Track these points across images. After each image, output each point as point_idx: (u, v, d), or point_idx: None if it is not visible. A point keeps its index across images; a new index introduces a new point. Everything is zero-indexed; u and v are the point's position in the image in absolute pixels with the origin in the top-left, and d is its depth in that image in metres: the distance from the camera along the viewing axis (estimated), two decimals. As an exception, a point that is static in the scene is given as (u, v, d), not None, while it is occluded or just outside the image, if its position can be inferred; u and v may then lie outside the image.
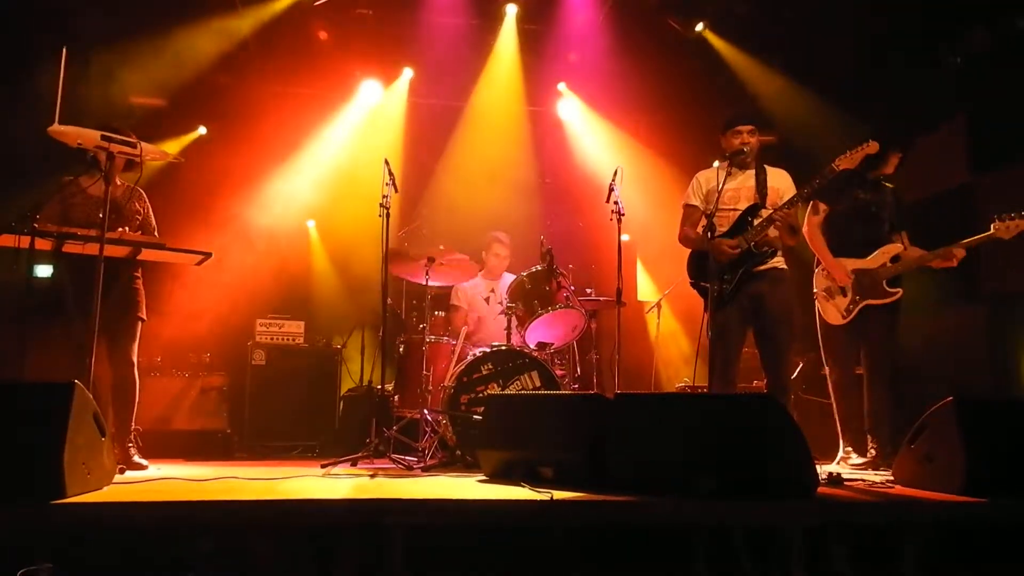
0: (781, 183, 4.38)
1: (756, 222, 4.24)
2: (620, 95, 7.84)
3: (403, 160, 7.74)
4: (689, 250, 4.50)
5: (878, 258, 4.55)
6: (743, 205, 4.32)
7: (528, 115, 8.00)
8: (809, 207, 4.72)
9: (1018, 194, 4.44)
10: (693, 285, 4.41)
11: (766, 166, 4.43)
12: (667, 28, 7.14)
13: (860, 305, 4.50)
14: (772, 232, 4.24)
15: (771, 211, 4.19)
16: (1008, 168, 5.49)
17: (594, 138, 8.11)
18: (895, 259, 4.54)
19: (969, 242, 4.36)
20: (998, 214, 4.28)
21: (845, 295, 4.55)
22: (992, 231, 4.27)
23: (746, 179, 4.38)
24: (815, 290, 4.69)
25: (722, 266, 4.17)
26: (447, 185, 8.05)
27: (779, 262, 4.32)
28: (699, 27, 7.11)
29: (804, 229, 4.61)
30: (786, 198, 4.23)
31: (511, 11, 7.22)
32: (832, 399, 4.64)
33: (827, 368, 4.68)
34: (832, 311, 4.59)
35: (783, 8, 6.54)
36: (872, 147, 4.11)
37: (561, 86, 8.01)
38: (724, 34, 7.10)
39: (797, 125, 6.69)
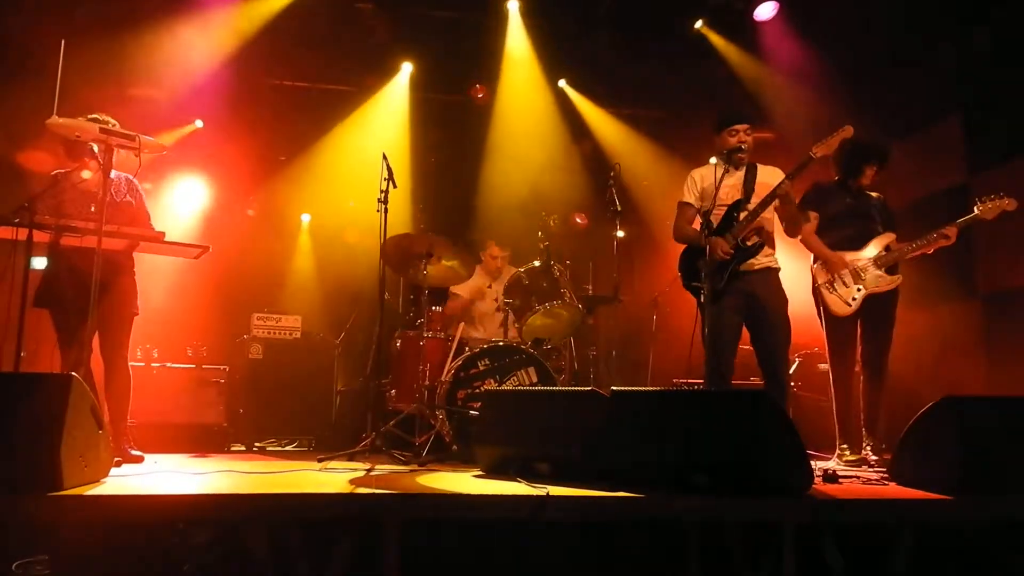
0: (773, 180, 4.37)
1: (741, 216, 4.25)
2: (620, 90, 7.84)
3: (402, 155, 7.73)
4: (681, 250, 4.50)
5: (873, 248, 4.58)
6: None
7: (526, 110, 7.98)
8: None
9: (1014, 192, 4.48)
10: (685, 285, 4.41)
11: (758, 164, 4.43)
12: (667, 24, 7.13)
13: (864, 294, 4.51)
14: (766, 226, 4.27)
15: (755, 206, 4.20)
16: (1004, 166, 5.50)
17: (594, 133, 8.11)
18: (888, 249, 4.57)
19: (958, 224, 4.46)
20: (979, 196, 4.48)
21: (847, 285, 4.56)
22: (976, 212, 4.44)
23: (740, 176, 4.38)
24: (817, 283, 4.66)
25: (715, 263, 4.18)
26: (446, 181, 8.05)
27: (772, 261, 4.32)
28: (698, 24, 7.11)
29: (799, 237, 4.64)
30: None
31: (513, 7, 7.21)
32: (832, 395, 4.62)
33: (830, 363, 4.66)
34: (838, 302, 4.56)
35: (782, 6, 6.55)
36: (848, 131, 4.12)
37: (562, 83, 8.01)
38: (723, 31, 7.10)
39: (794, 123, 6.69)
